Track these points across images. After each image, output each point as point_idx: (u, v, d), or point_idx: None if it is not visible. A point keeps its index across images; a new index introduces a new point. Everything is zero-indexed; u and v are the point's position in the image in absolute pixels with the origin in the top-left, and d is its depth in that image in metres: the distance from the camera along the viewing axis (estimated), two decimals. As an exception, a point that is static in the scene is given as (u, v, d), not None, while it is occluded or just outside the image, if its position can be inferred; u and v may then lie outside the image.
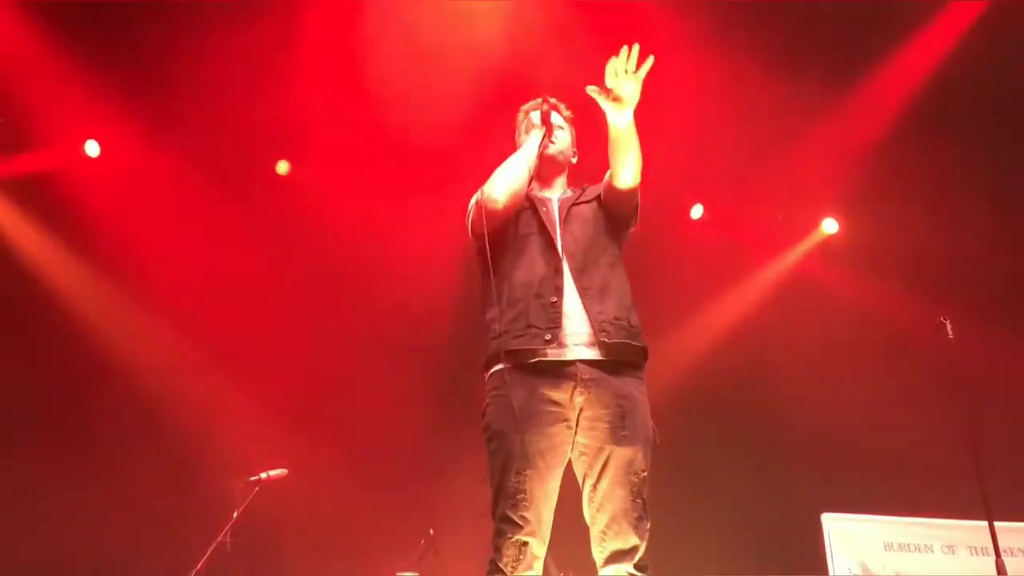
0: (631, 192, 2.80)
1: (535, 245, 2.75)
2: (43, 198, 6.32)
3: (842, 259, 7.29)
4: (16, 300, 6.24)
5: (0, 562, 5.50)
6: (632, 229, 2.93)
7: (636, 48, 2.56)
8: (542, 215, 2.81)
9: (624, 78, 2.57)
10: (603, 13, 5.71)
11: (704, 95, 6.25)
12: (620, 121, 2.64)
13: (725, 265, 7.33)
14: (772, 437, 6.78)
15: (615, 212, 2.86)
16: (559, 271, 2.67)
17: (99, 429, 6.10)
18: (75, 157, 6.37)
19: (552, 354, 2.57)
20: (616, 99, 2.59)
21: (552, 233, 2.75)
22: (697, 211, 7.33)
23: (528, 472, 2.49)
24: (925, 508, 5.84)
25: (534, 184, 2.95)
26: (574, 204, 2.87)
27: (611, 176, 2.79)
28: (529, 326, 2.60)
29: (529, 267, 2.71)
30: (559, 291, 2.63)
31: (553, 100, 3.07)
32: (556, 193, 2.96)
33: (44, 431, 6.03)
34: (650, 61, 2.57)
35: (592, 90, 2.61)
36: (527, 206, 2.84)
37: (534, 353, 2.57)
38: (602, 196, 2.88)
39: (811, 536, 5.79)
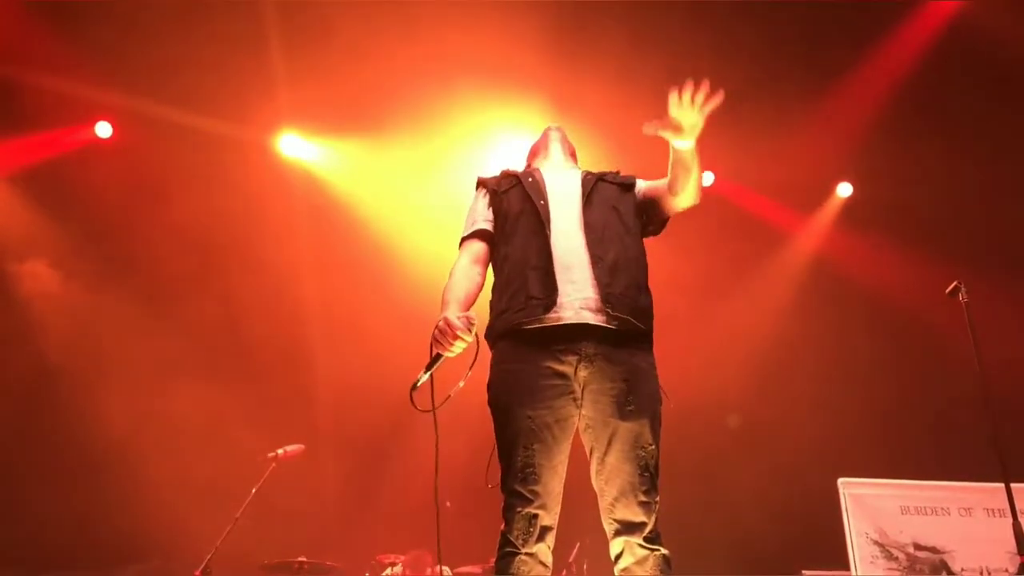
0: (684, 209, 2.82)
1: (526, 222, 2.75)
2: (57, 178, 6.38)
3: (855, 223, 7.22)
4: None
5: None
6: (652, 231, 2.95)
7: (704, 87, 2.50)
8: (527, 187, 2.83)
9: (688, 109, 2.51)
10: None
11: (715, 63, 6.20)
12: (683, 146, 2.61)
13: (739, 233, 7.28)
14: (788, 404, 6.76)
15: (653, 214, 2.88)
16: (547, 238, 2.67)
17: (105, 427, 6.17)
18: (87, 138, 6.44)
19: (551, 319, 2.56)
20: (677, 128, 2.55)
21: (537, 203, 2.76)
22: (707, 179, 7.25)
23: (536, 447, 2.49)
24: (942, 472, 5.83)
25: (536, 154, 3.12)
26: (601, 179, 2.88)
27: (670, 188, 2.77)
28: (529, 297, 2.60)
29: (523, 243, 2.72)
30: (550, 257, 2.63)
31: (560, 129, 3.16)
32: (554, 165, 3.02)
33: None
34: (718, 98, 2.50)
35: (648, 129, 2.56)
36: (514, 183, 2.89)
37: (536, 321, 2.57)
38: (646, 193, 2.88)
39: (828, 501, 5.79)
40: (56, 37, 5.92)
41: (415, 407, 2.59)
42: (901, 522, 5.61)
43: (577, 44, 5.87)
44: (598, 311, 2.58)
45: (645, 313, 2.67)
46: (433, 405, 2.57)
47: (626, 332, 2.60)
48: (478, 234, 2.89)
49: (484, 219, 2.89)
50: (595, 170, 3.02)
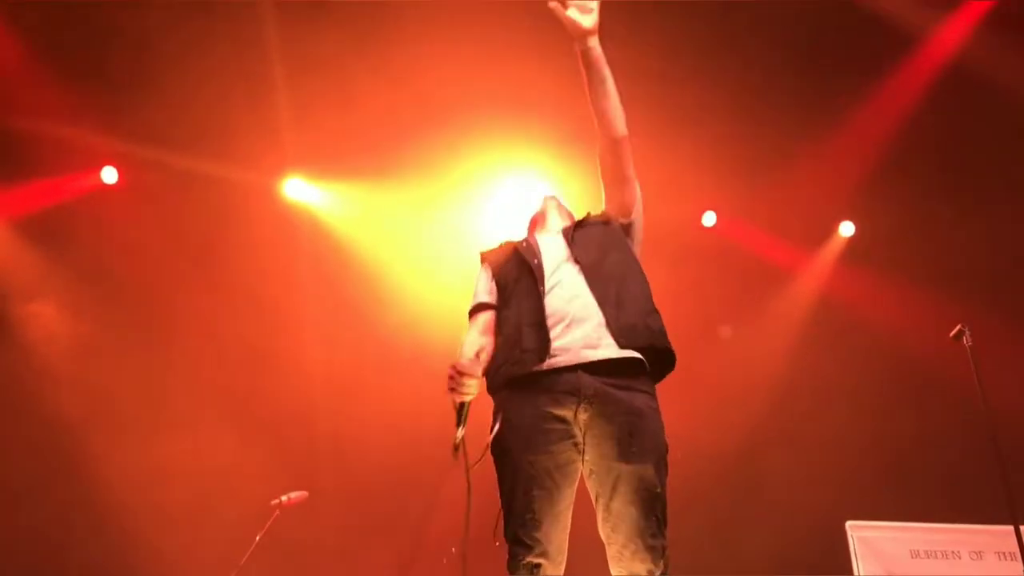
0: (621, 141, 2.82)
1: (523, 285, 2.79)
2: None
3: (859, 263, 7.22)
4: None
5: None
6: (640, 221, 2.97)
7: None
8: (523, 251, 2.90)
9: None
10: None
11: (716, 102, 6.26)
12: (588, 46, 2.70)
13: (740, 271, 7.29)
14: (796, 446, 6.71)
15: (616, 198, 2.91)
16: (540, 296, 2.69)
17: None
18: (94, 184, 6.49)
19: (547, 365, 2.56)
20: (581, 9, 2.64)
21: (531, 263, 2.81)
22: (710, 218, 7.27)
23: (536, 492, 2.47)
24: (951, 514, 5.78)
25: (535, 226, 3.21)
26: (579, 226, 2.95)
27: (600, 127, 2.81)
28: (524, 351, 2.61)
29: (519, 304, 2.75)
30: (543, 312, 2.64)
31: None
32: (546, 231, 3.09)
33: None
34: None
35: (552, 4, 2.66)
36: (511, 251, 2.96)
37: (529, 371, 2.58)
38: (606, 192, 2.93)
39: (837, 544, 5.74)
40: (61, 84, 5.99)
41: (457, 463, 2.51)
42: (911, 566, 5.55)
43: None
44: (602, 347, 2.56)
45: (660, 334, 2.66)
46: (467, 462, 2.50)
47: (628, 366, 2.57)
48: (482, 307, 2.94)
49: (486, 292, 2.95)
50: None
